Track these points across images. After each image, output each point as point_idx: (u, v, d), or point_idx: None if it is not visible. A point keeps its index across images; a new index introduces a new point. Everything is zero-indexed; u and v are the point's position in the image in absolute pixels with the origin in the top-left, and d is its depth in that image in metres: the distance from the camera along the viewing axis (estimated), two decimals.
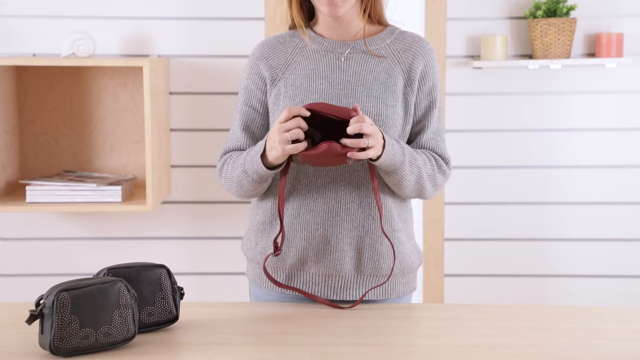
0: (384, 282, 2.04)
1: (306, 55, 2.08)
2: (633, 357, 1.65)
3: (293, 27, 2.13)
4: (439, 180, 2.08)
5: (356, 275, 2.05)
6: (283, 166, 1.98)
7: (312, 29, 2.11)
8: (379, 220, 2.03)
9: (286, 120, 1.89)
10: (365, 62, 2.06)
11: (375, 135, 1.89)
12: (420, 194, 2.07)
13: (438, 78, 2.11)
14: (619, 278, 3.44)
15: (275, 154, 1.92)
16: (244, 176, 2.02)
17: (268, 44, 2.12)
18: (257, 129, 2.10)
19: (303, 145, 1.89)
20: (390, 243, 2.02)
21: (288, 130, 1.88)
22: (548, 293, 3.43)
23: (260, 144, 1.99)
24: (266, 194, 2.10)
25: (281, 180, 1.99)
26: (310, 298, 2.04)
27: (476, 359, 1.64)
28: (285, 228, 2.05)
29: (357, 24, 2.08)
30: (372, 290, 2.06)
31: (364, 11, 2.07)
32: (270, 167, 1.97)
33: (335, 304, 2.02)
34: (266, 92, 2.09)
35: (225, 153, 2.13)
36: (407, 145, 2.02)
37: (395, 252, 2.05)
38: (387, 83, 2.04)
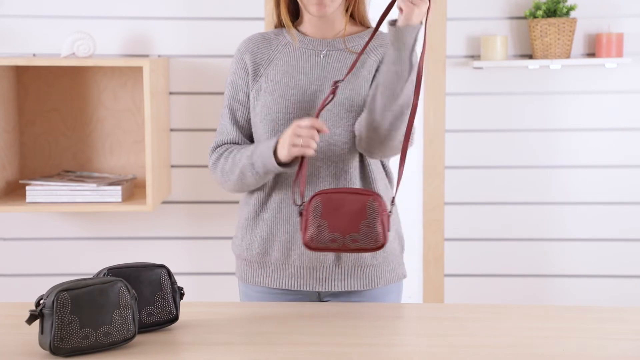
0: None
1: (288, 52, 2.13)
2: (633, 357, 1.65)
3: (279, 25, 2.18)
4: (405, 117, 1.99)
5: (338, 265, 2.08)
6: (297, 164, 2.00)
7: (296, 29, 2.17)
8: None
9: (305, 127, 1.94)
10: (344, 58, 2.11)
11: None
12: (402, 119, 1.97)
13: None
14: (619, 278, 3.43)
15: (283, 152, 1.97)
16: (249, 169, 2.04)
17: (253, 40, 2.17)
18: (245, 123, 2.15)
19: (311, 151, 1.94)
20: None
21: (301, 136, 1.93)
22: (548, 293, 3.43)
23: (273, 139, 2.01)
24: (253, 191, 2.13)
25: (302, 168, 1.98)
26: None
27: (476, 359, 1.64)
28: (269, 223, 2.09)
29: (341, 23, 2.14)
30: (357, 280, 2.10)
31: (347, 10, 2.13)
32: (279, 163, 2.00)
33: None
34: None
35: (217, 147, 2.16)
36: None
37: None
38: (364, 74, 2.09)
